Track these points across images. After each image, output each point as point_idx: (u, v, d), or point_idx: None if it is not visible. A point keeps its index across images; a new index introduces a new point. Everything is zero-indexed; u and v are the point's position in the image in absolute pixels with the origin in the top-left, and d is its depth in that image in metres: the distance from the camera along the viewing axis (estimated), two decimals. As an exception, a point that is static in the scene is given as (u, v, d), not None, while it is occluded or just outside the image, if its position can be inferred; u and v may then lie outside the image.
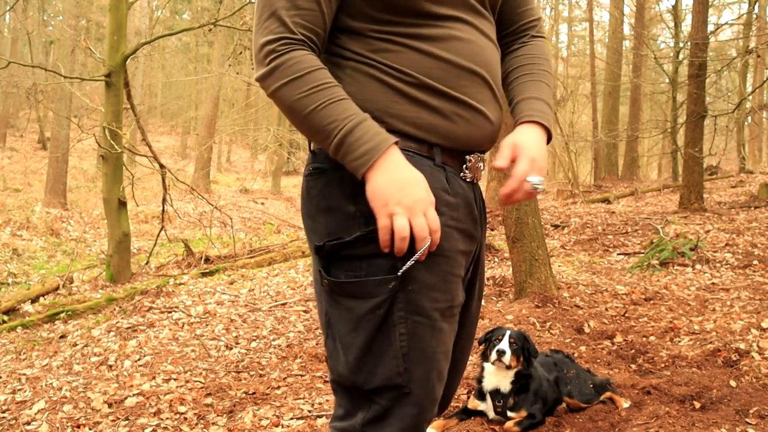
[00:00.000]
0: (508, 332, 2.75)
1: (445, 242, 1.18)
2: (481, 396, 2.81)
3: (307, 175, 1.25)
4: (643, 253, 6.97)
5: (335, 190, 1.18)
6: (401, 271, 1.14)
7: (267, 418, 3.07)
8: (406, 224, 1.10)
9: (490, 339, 2.78)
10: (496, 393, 2.75)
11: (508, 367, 2.71)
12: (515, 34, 1.40)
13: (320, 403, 3.24)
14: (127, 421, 3.15)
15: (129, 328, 4.96)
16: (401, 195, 1.10)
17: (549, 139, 1.29)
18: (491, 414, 2.78)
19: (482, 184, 1.45)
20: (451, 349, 1.25)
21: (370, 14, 1.19)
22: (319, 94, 1.12)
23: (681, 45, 13.43)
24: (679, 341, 3.90)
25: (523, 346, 2.73)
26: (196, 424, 3.11)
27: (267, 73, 1.14)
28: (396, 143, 1.14)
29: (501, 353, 2.67)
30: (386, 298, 1.14)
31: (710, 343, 3.69)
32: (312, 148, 1.26)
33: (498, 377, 2.75)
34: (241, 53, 9.66)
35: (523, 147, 1.22)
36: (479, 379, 2.82)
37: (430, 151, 1.20)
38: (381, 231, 1.12)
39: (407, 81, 1.18)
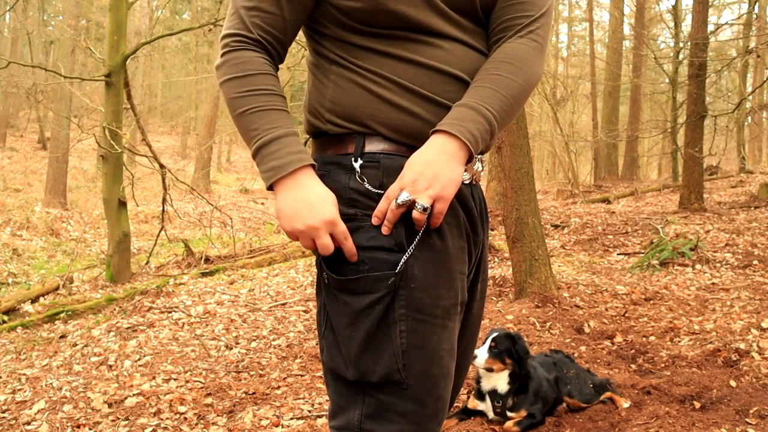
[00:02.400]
0: (494, 334, 2.74)
1: (445, 240, 1.19)
2: (480, 396, 2.81)
3: None
4: (643, 253, 6.97)
5: (335, 194, 1.18)
6: (399, 268, 1.14)
7: (267, 418, 3.07)
8: (311, 245, 1.13)
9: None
10: (494, 393, 2.75)
11: (489, 370, 2.71)
12: (498, 33, 1.24)
13: (320, 403, 3.24)
14: (127, 421, 3.15)
15: (129, 328, 4.96)
16: (300, 217, 1.12)
17: (465, 143, 1.12)
18: (491, 414, 2.78)
19: (482, 184, 1.40)
20: (456, 347, 1.24)
21: (350, 24, 1.18)
22: (253, 99, 1.14)
23: (681, 45, 13.43)
24: (679, 341, 3.90)
25: (507, 348, 2.71)
26: (196, 424, 3.11)
27: (219, 65, 1.19)
28: (312, 166, 1.15)
29: (473, 357, 2.66)
30: (384, 294, 1.14)
31: (710, 343, 3.70)
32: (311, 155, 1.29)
33: (493, 378, 2.75)
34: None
35: (405, 165, 1.14)
36: (477, 380, 2.83)
37: None
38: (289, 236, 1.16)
39: (390, 87, 1.17)
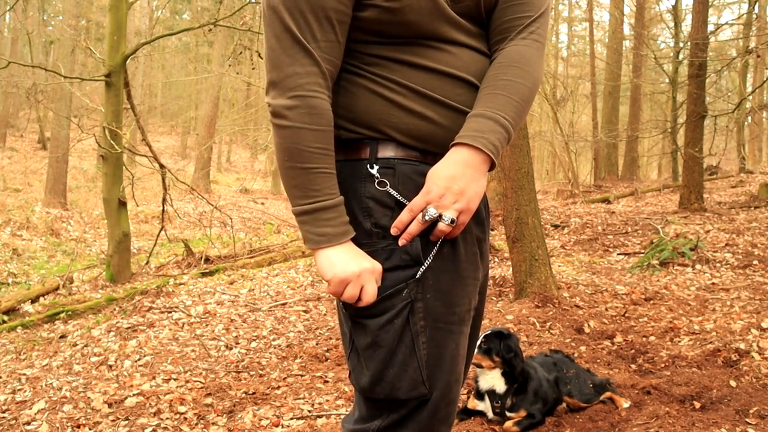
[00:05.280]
0: (487, 332, 2.74)
1: (457, 247, 1.20)
2: (479, 396, 2.81)
3: None
4: (643, 253, 6.97)
5: (351, 207, 1.18)
6: (410, 281, 1.15)
7: (267, 418, 3.07)
8: (355, 294, 1.14)
9: None
10: (492, 393, 2.76)
11: (479, 366, 2.73)
12: (499, 34, 1.24)
13: (320, 403, 3.24)
14: (127, 421, 3.15)
15: (129, 328, 4.97)
16: (355, 261, 1.14)
17: (489, 156, 1.14)
18: (490, 414, 2.78)
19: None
20: (466, 351, 1.27)
21: (362, 37, 1.18)
22: (323, 158, 1.13)
23: (681, 45, 13.43)
24: (679, 341, 3.90)
25: (496, 346, 2.70)
26: (196, 424, 3.11)
27: (286, 107, 1.13)
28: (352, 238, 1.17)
29: None
30: (402, 307, 1.15)
31: (710, 343, 3.70)
32: None
33: (489, 377, 2.75)
34: (241, 53, 9.65)
35: (428, 177, 1.15)
36: (476, 379, 2.83)
37: (434, 159, 1.19)
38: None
39: (402, 92, 1.17)
